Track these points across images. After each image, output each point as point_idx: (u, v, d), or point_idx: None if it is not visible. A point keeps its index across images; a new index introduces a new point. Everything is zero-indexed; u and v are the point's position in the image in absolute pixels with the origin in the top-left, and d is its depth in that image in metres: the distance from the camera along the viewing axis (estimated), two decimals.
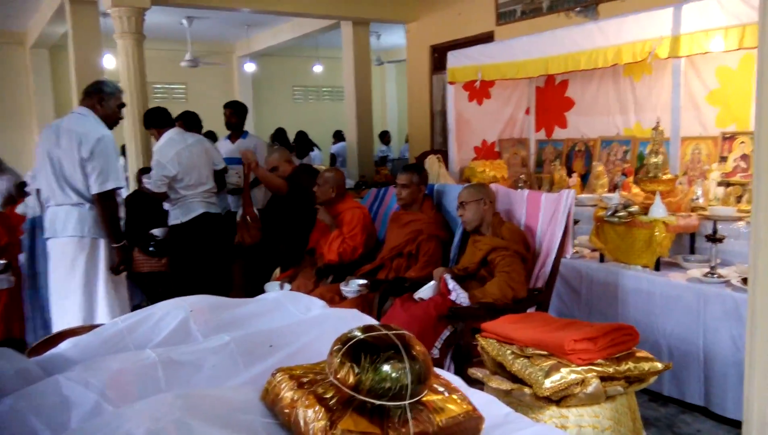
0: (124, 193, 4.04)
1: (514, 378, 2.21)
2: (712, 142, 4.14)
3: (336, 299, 3.35)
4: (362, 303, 3.25)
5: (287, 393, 1.48)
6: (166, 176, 4.01)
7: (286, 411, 1.46)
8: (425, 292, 3.12)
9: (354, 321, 2.07)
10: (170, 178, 4.03)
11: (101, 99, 3.38)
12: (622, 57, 3.92)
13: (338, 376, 1.42)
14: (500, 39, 5.97)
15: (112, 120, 3.46)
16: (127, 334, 2.02)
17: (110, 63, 7.94)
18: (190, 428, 1.36)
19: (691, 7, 3.53)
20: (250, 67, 10.97)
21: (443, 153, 5.64)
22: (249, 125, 5.44)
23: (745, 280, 2.87)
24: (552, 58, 4.40)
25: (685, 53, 3.62)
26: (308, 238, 4.14)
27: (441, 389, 1.55)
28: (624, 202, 3.54)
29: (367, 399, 1.38)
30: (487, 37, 6.29)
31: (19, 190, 4.86)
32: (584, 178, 4.93)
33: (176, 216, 4.15)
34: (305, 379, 1.51)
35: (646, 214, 3.36)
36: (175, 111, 4.53)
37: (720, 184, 3.80)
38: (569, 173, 4.99)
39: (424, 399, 1.47)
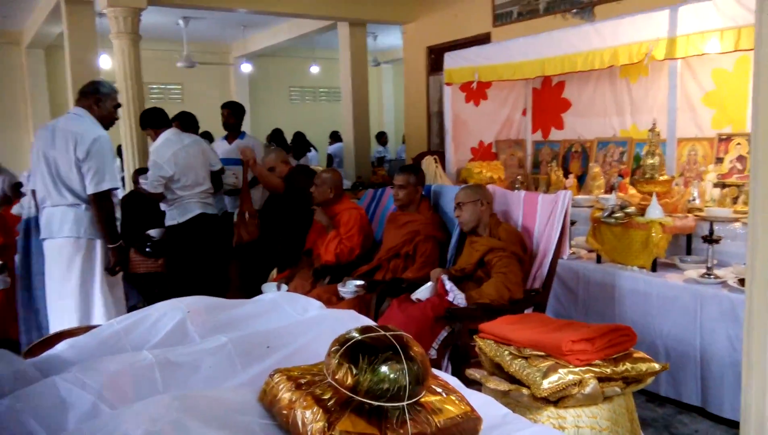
0: (120, 194, 4.03)
1: (511, 379, 2.22)
2: (708, 144, 4.16)
3: (333, 300, 3.35)
4: (359, 304, 3.25)
5: (285, 394, 1.48)
6: (163, 177, 4.00)
7: (284, 412, 1.45)
8: (422, 292, 3.12)
9: (351, 322, 2.07)
10: (167, 179, 4.02)
11: (98, 100, 3.38)
12: (619, 58, 3.93)
13: (336, 377, 1.41)
14: (497, 40, 5.97)
15: (108, 120, 3.45)
16: (124, 336, 2.01)
17: (106, 63, 7.92)
18: (187, 429, 1.35)
19: (687, 9, 3.54)
20: (246, 68, 10.96)
21: (440, 154, 5.64)
22: (246, 126, 5.42)
23: (741, 281, 2.88)
24: (549, 59, 4.40)
25: (681, 55, 3.63)
26: (305, 239, 4.14)
27: (439, 390, 1.55)
28: (621, 203, 3.55)
29: (365, 400, 1.38)
30: (483, 39, 6.30)
31: (15, 191, 4.84)
32: (581, 179, 4.94)
33: (173, 217, 4.14)
34: (303, 380, 1.51)
35: (642, 215, 3.37)
36: (171, 111, 4.52)
37: (716, 185, 3.82)
38: (566, 174, 5.00)
39: (423, 400, 1.47)
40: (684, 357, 3.04)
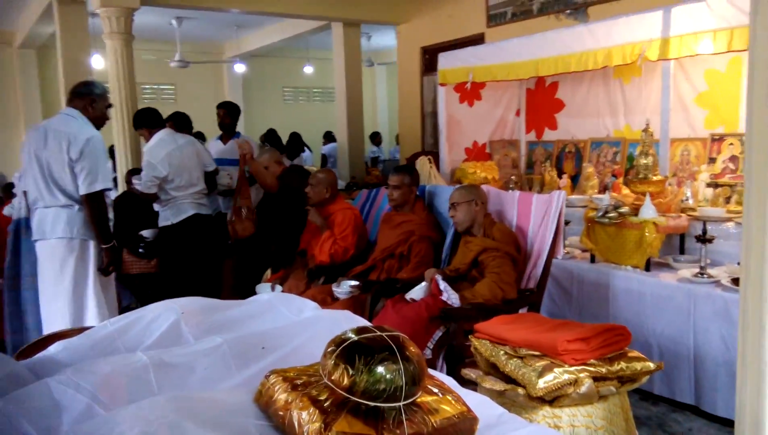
0: (112, 195, 4.01)
1: (507, 379, 2.22)
2: (701, 144, 4.18)
3: (328, 300, 3.35)
4: (354, 304, 3.24)
5: (281, 395, 1.47)
6: (157, 177, 3.99)
7: (280, 413, 1.45)
8: (416, 292, 3.12)
9: (347, 322, 2.06)
10: (161, 179, 4.01)
11: (92, 101, 3.37)
12: (612, 59, 3.94)
13: (332, 378, 1.41)
14: (491, 41, 5.98)
15: (101, 121, 3.45)
16: (118, 337, 2.00)
17: (99, 63, 7.88)
18: (183, 431, 1.34)
19: (681, 10, 3.56)
20: (240, 68, 10.94)
21: (434, 154, 5.65)
22: (239, 126, 5.41)
23: (734, 280, 2.90)
24: (542, 60, 4.42)
25: (674, 56, 3.65)
26: (299, 239, 4.13)
27: (435, 390, 1.55)
28: (614, 203, 3.56)
29: (361, 401, 1.38)
30: (477, 39, 6.31)
31: (6, 192, 4.81)
32: (574, 179, 4.96)
33: (166, 217, 4.13)
34: (299, 381, 1.50)
35: (636, 215, 3.38)
36: (164, 112, 4.51)
37: (709, 185, 3.84)
38: (559, 174, 5.02)
39: (419, 400, 1.47)
40: (677, 356, 3.06)
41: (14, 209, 3.98)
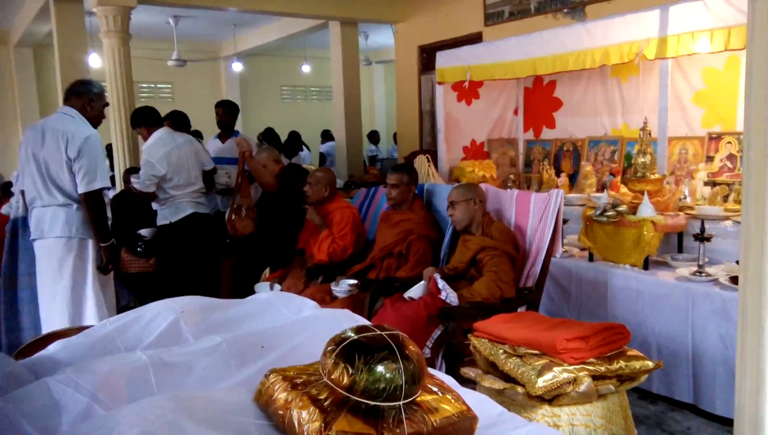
0: (110, 194, 4.00)
1: (506, 377, 2.22)
2: (699, 142, 4.19)
3: (326, 299, 3.35)
4: (353, 303, 3.24)
5: (281, 394, 1.48)
6: (156, 176, 3.98)
7: (280, 412, 1.45)
8: (415, 291, 3.12)
9: (346, 321, 2.07)
10: (159, 178, 4.00)
11: (91, 100, 3.37)
12: (610, 58, 3.94)
13: (332, 377, 1.41)
14: (488, 40, 5.98)
15: (98, 120, 3.46)
16: (117, 336, 2.00)
17: (96, 62, 7.86)
18: (183, 430, 1.34)
19: (678, 9, 3.56)
20: (237, 67, 10.92)
21: (432, 153, 5.65)
22: (237, 125, 5.41)
23: (732, 279, 2.90)
24: (540, 59, 4.42)
25: (671, 54, 3.65)
26: (297, 239, 4.13)
27: (435, 389, 1.55)
28: (612, 201, 3.56)
29: (361, 400, 1.38)
30: (475, 38, 6.30)
31: (4, 191, 4.80)
32: (572, 177, 4.96)
33: (165, 216, 4.12)
34: (299, 380, 1.50)
35: (634, 213, 3.39)
36: (161, 111, 4.50)
37: (707, 183, 3.85)
38: (557, 173, 5.02)
39: (419, 399, 1.47)
40: (676, 354, 3.06)
41: (12, 208, 3.97)
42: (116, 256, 3.49)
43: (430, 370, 1.70)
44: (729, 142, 3.97)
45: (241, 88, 11.96)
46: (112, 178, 5.89)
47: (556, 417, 2.08)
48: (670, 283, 3.13)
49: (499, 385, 2.19)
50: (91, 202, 3.25)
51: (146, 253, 4.42)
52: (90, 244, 3.34)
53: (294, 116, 12.20)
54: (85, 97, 3.36)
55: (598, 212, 3.51)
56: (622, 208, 3.44)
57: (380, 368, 1.38)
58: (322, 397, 1.42)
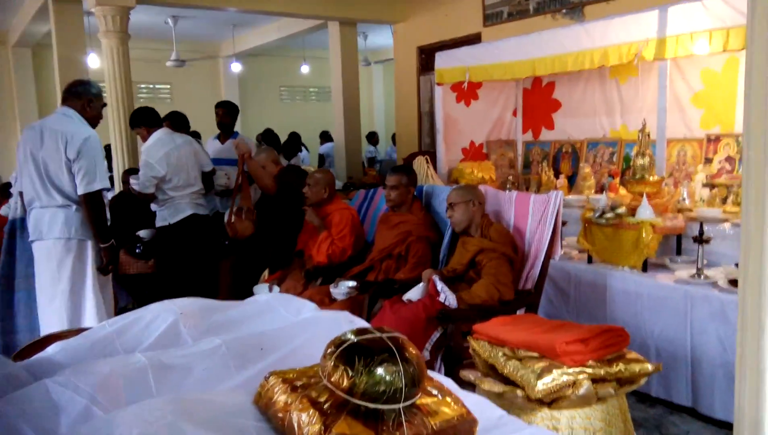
0: (108, 195, 3.99)
1: (505, 380, 2.22)
2: (697, 144, 4.19)
3: (325, 301, 3.34)
4: (352, 305, 3.24)
5: (280, 397, 1.47)
6: (155, 177, 3.98)
7: (280, 415, 1.45)
8: (414, 293, 3.11)
9: (346, 324, 2.06)
10: (159, 179, 3.99)
11: (90, 100, 3.37)
12: (609, 59, 3.95)
13: (332, 380, 1.41)
14: (487, 40, 5.99)
15: (96, 121, 3.45)
16: (116, 338, 2.00)
17: (94, 62, 7.86)
18: (182, 432, 1.34)
19: (677, 10, 3.56)
20: (236, 67, 10.92)
21: (431, 154, 5.65)
22: (236, 125, 5.40)
23: (731, 282, 2.90)
24: (539, 59, 4.42)
25: (670, 55, 3.65)
26: (296, 240, 4.13)
27: (435, 392, 1.55)
28: (611, 203, 3.56)
29: (361, 402, 1.38)
30: (474, 39, 6.31)
31: (3, 192, 4.79)
32: (571, 179, 4.97)
33: (164, 217, 4.12)
34: (298, 383, 1.50)
35: (633, 215, 3.39)
36: (160, 111, 4.49)
37: (705, 185, 3.85)
38: (556, 175, 5.02)
39: (418, 402, 1.47)
40: (675, 357, 3.06)
41: (10, 209, 3.97)
42: (116, 257, 3.49)
43: (430, 372, 1.70)
44: (727, 144, 3.97)
45: (240, 88, 11.96)
46: (111, 179, 5.88)
47: (556, 420, 2.08)
48: (669, 286, 3.13)
49: (498, 387, 2.18)
50: (91, 203, 3.25)
51: (145, 254, 4.41)
52: (89, 246, 3.33)
53: (293, 117, 12.20)
54: (85, 98, 3.36)
55: (597, 214, 3.51)
56: (621, 210, 3.44)
57: (380, 371, 1.38)
58: (321, 399, 1.42)
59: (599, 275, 3.48)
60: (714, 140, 4.07)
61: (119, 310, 3.94)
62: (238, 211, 4.28)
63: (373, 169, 8.87)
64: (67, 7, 6.30)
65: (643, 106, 4.56)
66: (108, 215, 3.46)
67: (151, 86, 11.40)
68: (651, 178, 3.62)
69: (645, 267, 3.34)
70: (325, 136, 10.99)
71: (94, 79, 3.73)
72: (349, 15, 7.54)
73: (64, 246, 3.26)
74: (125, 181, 4.88)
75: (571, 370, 2.08)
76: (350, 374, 1.38)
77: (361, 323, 2.14)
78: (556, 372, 2.06)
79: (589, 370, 2.11)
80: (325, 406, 1.41)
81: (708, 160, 4.05)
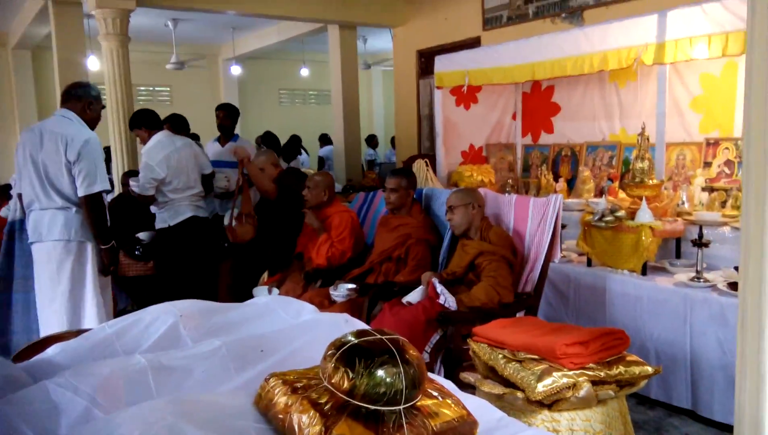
0: (108, 197, 3.98)
1: (505, 382, 2.22)
2: (696, 148, 4.20)
3: (325, 303, 3.34)
4: (351, 307, 3.24)
5: (281, 398, 1.47)
6: (155, 179, 3.98)
7: (280, 416, 1.45)
8: (413, 296, 3.12)
9: (346, 326, 2.06)
10: (158, 181, 3.99)
11: (90, 103, 3.38)
12: (608, 63, 3.96)
13: (332, 381, 1.41)
14: (487, 44, 6.00)
15: (96, 123, 3.46)
16: (116, 340, 2.00)
17: (94, 65, 7.86)
18: (183, 433, 1.34)
19: (676, 15, 3.58)
20: (236, 70, 10.93)
21: (430, 157, 5.66)
22: (235, 128, 5.41)
23: (730, 285, 2.91)
24: (538, 63, 4.43)
25: (669, 60, 3.66)
26: (296, 243, 4.13)
27: (435, 394, 1.55)
28: (611, 206, 3.57)
29: (361, 404, 1.38)
30: (473, 43, 6.33)
31: (3, 193, 4.78)
32: (570, 183, 4.97)
33: (164, 219, 4.11)
34: (299, 384, 1.50)
35: (632, 218, 3.39)
36: (160, 114, 4.49)
37: (704, 189, 3.85)
38: (555, 178, 5.03)
39: (419, 404, 1.47)
40: (674, 360, 3.06)
41: (10, 211, 3.96)
42: (116, 259, 3.49)
43: (430, 374, 1.70)
44: (726, 148, 3.98)
45: (239, 91, 11.96)
46: (111, 182, 5.88)
47: (556, 422, 2.08)
48: (669, 289, 3.13)
49: (498, 389, 2.18)
50: (92, 205, 3.25)
51: (144, 256, 4.41)
52: (89, 248, 3.33)
53: (292, 120, 12.20)
54: (85, 100, 3.36)
55: (596, 217, 3.51)
56: (621, 213, 3.45)
57: (381, 372, 1.38)
58: (322, 401, 1.42)
59: (599, 278, 3.48)
60: (713, 144, 4.08)
61: (118, 312, 3.94)
62: (239, 216, 4.28)
63: (372, 172, 8.87)
64: (67, 9, 6.30)
65: (642, 111, 4.57)
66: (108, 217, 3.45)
67: (151, 89, 11.41)
68: (650, 182, 3.62)
69: (644, 270, 3.34)
70: (324, 139, 11.00)
71: (94, 82, 3.73)
72: (349, 18, 7.55)
73: (63, 248, 3.26)
74: (125, 184, 4.88)
75: (571, 373, 2.08)
76: (351, 376, 1.38)
77: (361, 325, 2.13)
78: (556, 374, 2.07)
79: (590, 373, 2.11)
80: (326, 407, 1.40)
81: (707, 164, 4.06)
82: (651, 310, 3.19)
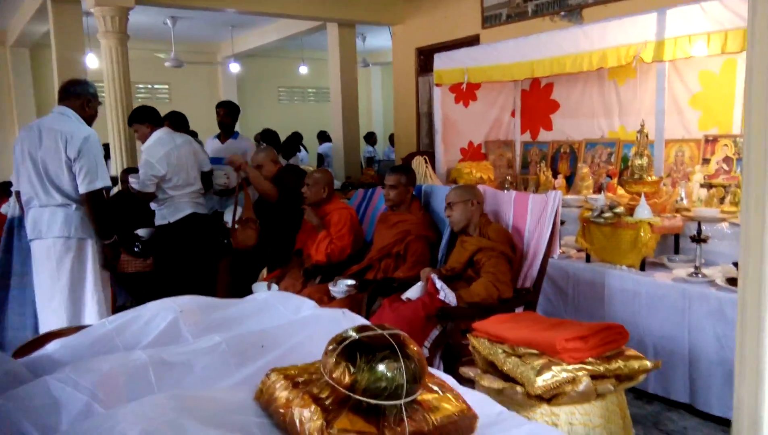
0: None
1: (505, 377, 2.23)
2: (695, 145, 4.21)
3: (324, 300, 3.35)
4: (350, 303, 3.24)
5: (282, 393, 1.48)
6: (155, 176, 3.97)
7: (281, 411, 1.45)
8: (413, 292, 3.12)
9: (346, 321, 2.07)
10: (159, 178, 3.99)
11: (88, 100, 3.39)
12: (607, 61, 3.96)
13: (334, 376, 1.42)
14: (486, 42, 6.00)
15: (93, 120, 3.46)
16: (116, 335, 2.00)
17: (93, 62, 7.85)
18: (184, 429, 1.35)
19: (675, 13, 3.58)
20: (235, 68, 10.92)
21: (429, 154, 5.66)
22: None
23: (729, 280, 2.92)
24: (537, 61, 4.43)
25: (669, 57, 3.66)
26: (295, 239, 4.13)
27: (435, 388, 1.56)
28: (610, 203, 3.58)
29: (362, 398, 1.39)
30: (472, 40, 6.33)
31: (3, 190, 4.79)
32: (569, 179, 4.98)
33: (163, 216, 4.11)
34: (300, 379, 1.51)
35: (631, 215, 3.40)
36: (159, 111, 4.48)
37: (703, 185, 3.86)
38: (554, 175, 5.04)
39: (419, 398, 1.47)
40: (672, 355, 3.07)
41: (10, 208, 3.97)
42: (119, 253, 3.52)
43: (431, 369, 1.71)
44: (725, 145, 3.99)
45: (238, 89, 11.96)
46: (114, 179, 5.87)
47: (555, 416, 2.09)
48: (667, 285, 3.14)
49: (498, 384, 2.19)
50: (93, 201, 3.25)
51: (143, 253, 4.41)
52: (89, 244, 3.33)
53: (291, 117, 12.20)
54: (83, 97, 3.37)
55: (595, 214, 3.52)
56: (619, 209, 3.45)
57: (382, 367, 1.39)
58: (323, 395, 1.42)
59: (597, 274, 3.49)
60: (712, 141, 4.09)
61: (117, 309, 3.94)
62: (241, 220, 4.28)
63: (371, 169, 8.87)
64: (65, 7, 6.29)
65: (642, 108, 4.58)
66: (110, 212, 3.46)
67: (150, 86, 11.40)
68: (649, 178, 3.63)
69: (643, 266, 3.36)
70: (323, 137, 10.99)
71: (93, 80, 3.73)
72: (348, 16, 7.55)
73: (63, 245, 3.26)
74: (124, 181, 4.88)
75: (570, 367, 2.09)
76: (352, 371, 1.39)
77: (361, 321, 2.14)
78: (555, 369, 2.07)
79: (589, 367, 2.12)
80: (327, 402, 1.41)
81: (706, 161, 4.06)
82: (649, 305, 3.21)
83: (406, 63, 7.71)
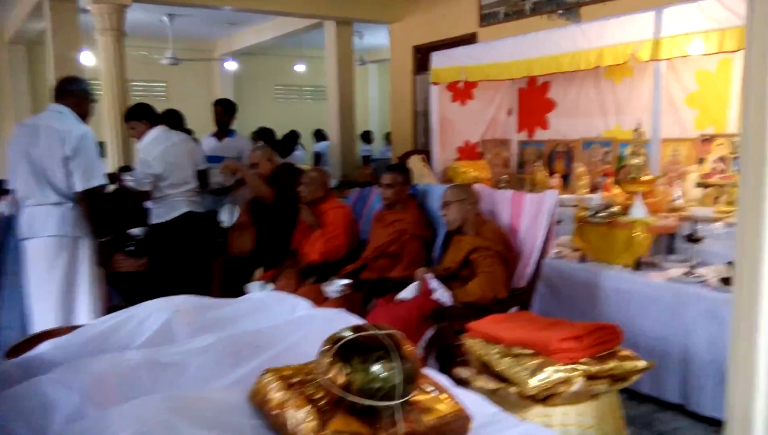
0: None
1: (499, 377, 2.23)
2: (691, 144, 4.21)
3: (319, 299, 3.34)
4: (345, 303, 3.22)
5: (276, 394, 1.48)
6: (152, 174, 3.96)
7: (276, 412, 1.45)
8: (407, 292, 3.12)
9: (341, 321, 2.06)
10: (155, 177, 3.98)
11: (84, 98, 3.37)
12: (604, 59, 3.96)
13: (328, 377, 1.41)
14: (483, 40, 6.00)
15: (88, 117, 3.44)
16: (110, 335, 2.00)
17: (89, 60, 7.82)
18: (177, 430, 1.34)
19: (672, 11, 3.58)
20: (231, 66, 10.90)
21: (426, 153, 5.66)
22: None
23: (723, 280, 2.92)
24: (535, 59, 4.43)
25: (665, 56, 3.67)
26: (291, 238, 4.12)
27: (430, 389, 1.56)
28: (605, 202, 3.58)
29: (357, 399, 1.38)
30: (470, 39, 6.32)
31: (0, 188, 4.76)
32: (565, 178, 4.99)
33: (159, 214, 4.10)
34: (294, 380, 1.50)
35: (626, 214, 3.40)
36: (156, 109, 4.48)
37: (698, 185, 3.87)
38: (551, 174, 5.04)
39: (413, 399, 1.47)
40: (665, 355, 3.07)
41: (6, 206, 3.95)
42: (113, 251, 3.51)
43: (425, 370, 1.70)
44: (721, 144, 3.99)
45: (235, 87, 11.92)
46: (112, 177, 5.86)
47: (549, 416, 2.09)
48: (661, 284, 3.14)
49: (492, 385, 2.19)
50: (90, 199, 3.24)
51: (137, 252, 4.40)
52: (83, 243, 3.32)
53: (288, 116, 12.16)
54: (78, 95, 3.36)
55: (590, 213, 3.52)
56: (615, 209, 3.46)
57: (376, 368, 1.38)
58: (317, 396, 1.42)
59: (592, 274, 3.49)
60: (707, 140, 4.09)
61: (110, 309, 3.92)
62: (236, 226, 4.29)
63: (367, 168, 8.86)
64: (62, 4, 6.27)
65: (638, 107, 4.58)
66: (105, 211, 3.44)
67: (146, 84, 11.36)
68: (645, 178, 3.63)
69: (637, 266, 3.35)
70: (319, 135, 10.97)
71: (89, 77, 3.72)
72: (345, 14, 7.54)
73: (57, 243, 3.24)
74: (119, 179, 4.86)
75: (564, 367, 2.09)
76: (346, 371, 1.39)
77: (357, 321, 2.14)
78: (549, 369, 2.07)
79: (583, 368, 2.12)
80: (321, 403, 1.41)
81: (701, 160, 4.07)
82: (643, 305, 3.20)
83: (403, 61, 7.70)
